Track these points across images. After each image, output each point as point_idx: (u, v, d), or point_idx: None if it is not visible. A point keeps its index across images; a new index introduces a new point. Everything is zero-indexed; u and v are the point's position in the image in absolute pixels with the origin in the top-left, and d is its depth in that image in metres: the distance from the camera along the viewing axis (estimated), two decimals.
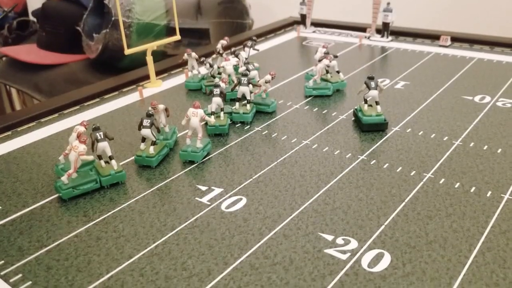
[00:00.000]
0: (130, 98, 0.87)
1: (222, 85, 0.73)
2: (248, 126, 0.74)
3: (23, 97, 1.62)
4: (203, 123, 0.67)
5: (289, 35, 1.25)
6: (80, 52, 1.46)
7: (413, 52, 1.06)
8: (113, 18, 1.25)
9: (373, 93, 0.71)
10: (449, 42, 1.09)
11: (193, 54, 0.88)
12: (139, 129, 0.64)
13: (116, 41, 1.28)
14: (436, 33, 1.13)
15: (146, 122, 0.63)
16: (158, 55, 1.39)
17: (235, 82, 0.80)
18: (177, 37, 0.93)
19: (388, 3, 1.11)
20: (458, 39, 1.10)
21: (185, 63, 0.92)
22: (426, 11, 1.34)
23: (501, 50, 1.04)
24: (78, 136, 0.57)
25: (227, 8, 1.45)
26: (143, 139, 0.64)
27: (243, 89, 0.75)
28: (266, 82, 0.77)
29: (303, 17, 1.25)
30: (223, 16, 1.44)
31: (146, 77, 0.94)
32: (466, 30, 1.15)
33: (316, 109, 0.79)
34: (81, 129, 0.60)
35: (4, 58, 1.57)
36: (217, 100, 0.71)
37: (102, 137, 0.59)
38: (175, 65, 1.01)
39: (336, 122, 0.74)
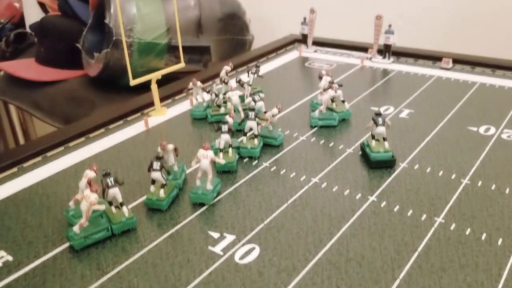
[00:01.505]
0: (135, 128, 0.87)
1: (230, 120, 0.73)
2: (256, 162, 0.74)
3: (23, 115, 1.61)
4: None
5: (291, 55, 1.25)
6: (79, 68, 1.45)
7: (415, 75, 1.06)
8: (114, 38, 1.24)
9: (381, 129, 0.71)
10: (451, 65, 1.09)
11: (199, 83, 0.88)
12: (149, 170, 0.64)
13: (117, 60, 1.28)
14: (437, 55, 1.13)
15: (156, 165, 0.63)
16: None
17: (242, 115, 0.80)
18: (182, 64, 0.93)
19: (390, 25, 1.11)
20: (459, 61, 1.11)
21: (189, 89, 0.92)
22: (427, 31, 1.35)
23: (502, 73, 1.05)
24: (89, 184, 0.57)
25: (228, 24, 1.45)
26: (153, 181, 0.64)
27: (251, 124, 0.75)
28: (273, 116, 0.77)
29: (305, 36, 1.25)
30: (224, 33, 1.44)
31: (151, 104, 0.94)
32: (467, 51, 1.16)
33: (323, 141, 0.80)
34: (91, 174, 0.60)
35: (2, 73, 1.56)
36: (225, 137, 0.71)
37: (113, 183, 0.58)
38: (179, 90, 1.01)
39: (343, 156, 0.75)
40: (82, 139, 0.83)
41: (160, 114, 0.91)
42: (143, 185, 0.68)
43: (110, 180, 0.58)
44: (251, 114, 0.75)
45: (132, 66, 1.30)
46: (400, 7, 1.38)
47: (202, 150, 0.64)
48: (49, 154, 0.78)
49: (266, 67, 1.16)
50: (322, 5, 1.29)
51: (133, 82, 0.84)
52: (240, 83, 0.89)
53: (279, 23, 1.64)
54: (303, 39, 1.26)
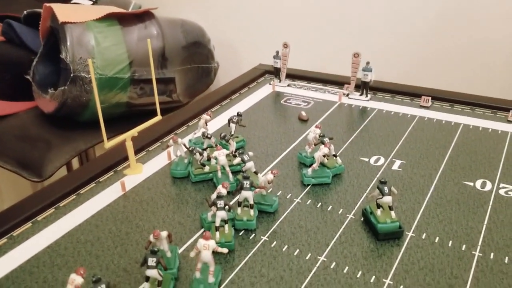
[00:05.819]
0: (110, 192, 0.78)
1: (223, 191, 0.67)
2: (253, 235, 0.68)
3: None
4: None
5: (264, 90, 1.19)
6: (30, 99, 1.33)
7: (396, 115, 1.04)
8: (72, 75, 1.14)
9: (388, 199, 0.67)
10: (430, 103, 1.07)
11: (180, 140, 0.81)
12: (142, 266, 0.56)
13: (76, 97, 1.18)
14: (414, 91, 1.12)
15: (152, 261, 0.55)
16: (122, 107, 1.29)
17: (230, 176, 0.75)
18: (158, 117, 0.85)
19: (368, 63, 1.08)
20: (437, 98, 1.09)
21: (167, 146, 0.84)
22: (403, 65, 1.33)
23: (482, 112, 1.04)
24: None
25: (192, 53, 1.37)
26: (147, 278, 0.56)
27: (246, 194, 0.69)
28: (268, 183, 0.71)
29: (277, 70, 1.20)
30: (188, 62, 1.37)
31: (123, 159, 0.85)
32: (443, 86, 1.15)
33: (320, 204, 0.75)
34: (79, 280, 0.51)
35: None
36: (222, 214, 0.65)
37: None
38: (153, 140, 0.93)
39: (346, 224, 0.70)
40: (51, 210, 0.74)
41: (137, 173, 0.83)
42: (132, 274, 0.60)
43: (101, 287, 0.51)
44: (246, 183, 0.69)
45: (92, 103, 1.20)
46: (369, 40, 1.35)
47: (203, 240, 0.57)
48: (15, 233, 0.69)
49: (240, 105, 1.10)
50: (291, 36, 1.24)
51: (107, 145, 0.76)
52: (226, 139, 0.82)
53: (244, 48, 1.58)
54: (275, 73, 1.21)
